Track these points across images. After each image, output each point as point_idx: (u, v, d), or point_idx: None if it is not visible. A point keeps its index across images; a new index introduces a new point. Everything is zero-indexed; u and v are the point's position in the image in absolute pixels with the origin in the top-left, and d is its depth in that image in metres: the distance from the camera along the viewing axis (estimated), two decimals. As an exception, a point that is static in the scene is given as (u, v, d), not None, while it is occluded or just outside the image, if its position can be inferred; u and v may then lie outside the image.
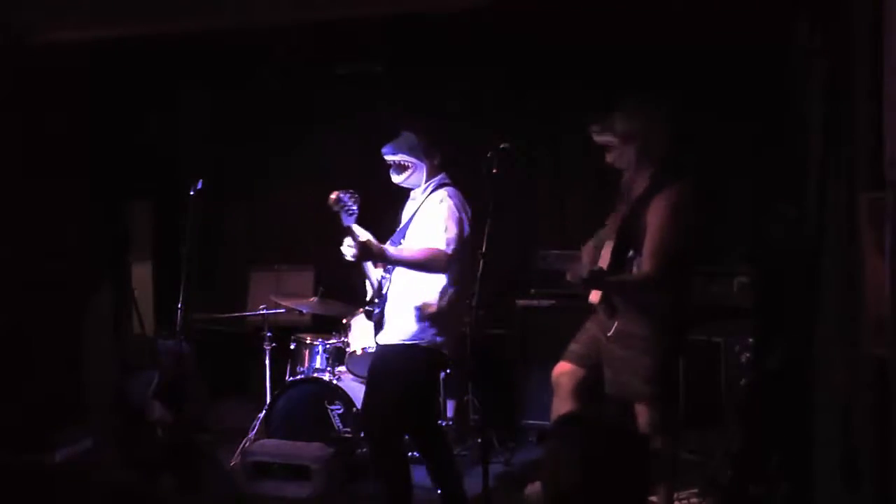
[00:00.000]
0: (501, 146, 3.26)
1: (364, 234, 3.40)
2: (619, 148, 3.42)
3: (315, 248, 5.67)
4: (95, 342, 5.13)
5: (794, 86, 4.09)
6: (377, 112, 5.38)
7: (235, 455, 4.61)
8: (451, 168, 3.71)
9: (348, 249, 3.37)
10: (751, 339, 4.41)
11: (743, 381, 4.38)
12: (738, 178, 5.05)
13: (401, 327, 3.54)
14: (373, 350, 4.04)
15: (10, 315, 4.52)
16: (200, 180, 4.29)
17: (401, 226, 3.69)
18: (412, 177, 3.61)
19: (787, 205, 3.91)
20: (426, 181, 3.63)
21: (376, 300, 3.65)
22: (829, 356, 3.39)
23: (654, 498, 3.46)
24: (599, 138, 3.45)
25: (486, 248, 3.16)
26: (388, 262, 3.53)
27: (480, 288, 3.19)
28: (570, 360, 3.56)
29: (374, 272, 3.67)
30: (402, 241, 3.62)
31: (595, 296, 3.45)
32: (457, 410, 5.07)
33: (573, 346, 3.59)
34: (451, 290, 3.54)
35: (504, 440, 4.94)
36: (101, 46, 4.79)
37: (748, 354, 4.39)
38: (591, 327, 3.59)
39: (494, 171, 3.21)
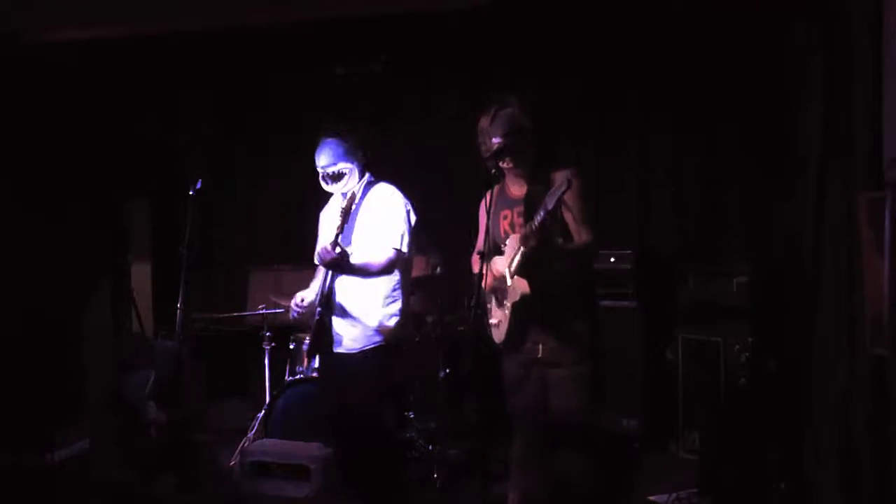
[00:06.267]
0: (499, 146, 3.23)
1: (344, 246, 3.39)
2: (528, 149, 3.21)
3: (315, 248, 5.66)
4: (95, 342, 5.12)
5: (794, 84, 4.09)
6: (376, 112, 5.39)
7: (235, 455, 4.60)
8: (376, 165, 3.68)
9: (326, 254, 3.35)
10: (750, 339, 4.41)
11: (742, 381, 4.38)
12: (738, 177, 5.04)
13: (361, 332, 3.50)
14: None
15: (9, 315, 4.52)
16: (200, 179, 4.28)
17: (339, 227, 3.38)
18: (349, 182, 3.58)
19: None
20: (358, 180, 3.60)
21: (319, 308, 3.58)
22: (829, 356, 3.40)
23: None
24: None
25: (485, 249, 3.14)
26: (350, 274, 3.48)
27: (478, 290, 3.15)
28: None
29: (320, 279, 3.65)
30: (350, 243, 3.49)
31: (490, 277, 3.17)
32: (456, 410, 5.06)
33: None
34: (401, 285, 3.55)
35: (503, 440, 4.92)
36: (101, 46, 4.79)
37: (748, 354, 4.39)
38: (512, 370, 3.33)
39: (493, 171, 3.19)
